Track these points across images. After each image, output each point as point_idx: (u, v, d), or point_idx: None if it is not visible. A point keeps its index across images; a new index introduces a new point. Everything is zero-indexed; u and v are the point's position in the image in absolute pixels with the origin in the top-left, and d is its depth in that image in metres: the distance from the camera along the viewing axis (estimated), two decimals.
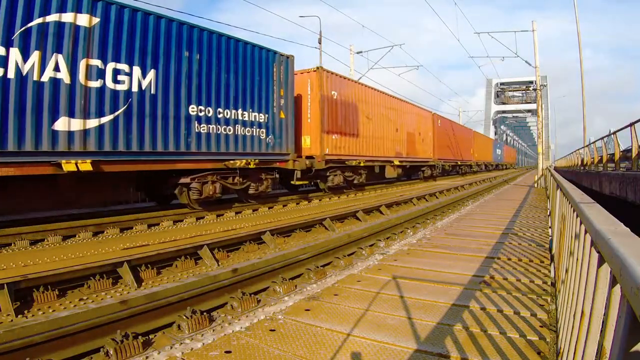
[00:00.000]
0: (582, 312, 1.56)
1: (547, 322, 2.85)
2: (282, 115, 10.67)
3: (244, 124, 9.53)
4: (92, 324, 3.32)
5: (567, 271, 2.50)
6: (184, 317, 3.60)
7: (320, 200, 12.39)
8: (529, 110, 63.61)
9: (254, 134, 9.79)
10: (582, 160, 16.27)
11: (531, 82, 36.79)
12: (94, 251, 5.40)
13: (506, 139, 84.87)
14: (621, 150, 10.44)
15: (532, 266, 4.38)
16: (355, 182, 15.11)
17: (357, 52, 22.88)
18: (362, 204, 11.22)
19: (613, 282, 1.15)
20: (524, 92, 64.87)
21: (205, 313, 3.81)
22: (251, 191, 10.14)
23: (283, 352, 2.46)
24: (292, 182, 11.80)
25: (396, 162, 18.14)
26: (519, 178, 32.53)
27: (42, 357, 2.97)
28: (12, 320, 3.59)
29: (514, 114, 72.99)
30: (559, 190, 4.63)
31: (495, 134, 71.06)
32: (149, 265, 5.06)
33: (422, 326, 2.81)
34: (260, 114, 10.00)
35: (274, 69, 10.42)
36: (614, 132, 10.50)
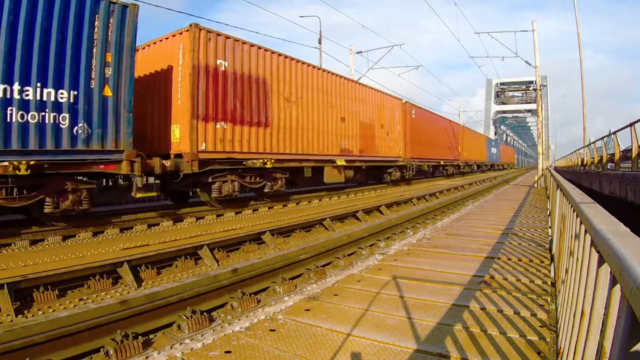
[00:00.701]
0: (582, 312, 1.56)
1: (547, 322, 2.85)
2: (108, 93, 7.09)
3: (24, 105, 6.01)
4: (92, 324, 3.33)
5: (567, 271, 2.50)
6: (184, 317, 3.61)
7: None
8: (529, 110, 63.67)
9: (45, 120, 6.25)
10: (582, 160, 16.26)
11: (531, 82, 36.87)
12: (94, 251, 5.42)
13: (506, 138, 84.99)
14: (621, 150, 10.43)
15: (532, 266, 4.38)
16: (266, 190, 10.80)
17: (357, 52, 22.87)
18: (362, 204, 11.24)
19: (613, 282, 1.15)
20: (524, 92, 64.97)
21: (205, 313, 3.81)
22: (47, 209, 6.55)
23: (283, 352, 2.46)
24: (133, 195, 7.94)
25: (340, 162, 13.63)
26: (519, 178, 32.56)
27: (42, 357, 2.97)
28: (12, 320, 3.59)
29: (514, 114, 73.07)
30: (559, 190, 4.63)
31: (495, 133, 71.16)
32: (149, 265, 5.06)
33: (422, 326, 2.81)
34: (62, 91, 6.45)
35: (96, 23, 6.86)
36: (614, 132, 10.50)
